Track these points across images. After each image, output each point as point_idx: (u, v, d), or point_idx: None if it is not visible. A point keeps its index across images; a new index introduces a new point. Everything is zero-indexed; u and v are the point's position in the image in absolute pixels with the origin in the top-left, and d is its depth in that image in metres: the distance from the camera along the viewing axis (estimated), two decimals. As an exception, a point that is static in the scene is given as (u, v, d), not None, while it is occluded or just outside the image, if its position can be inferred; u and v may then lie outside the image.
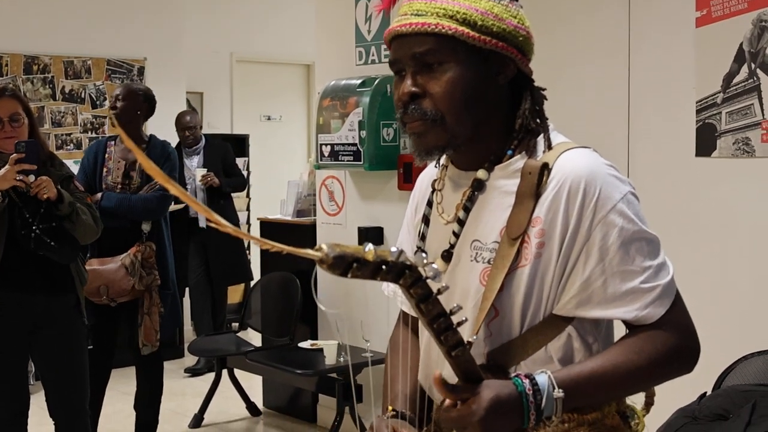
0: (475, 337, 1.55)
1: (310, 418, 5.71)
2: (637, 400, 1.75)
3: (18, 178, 3.78)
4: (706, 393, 3.03)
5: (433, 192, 1.80)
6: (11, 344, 3.95)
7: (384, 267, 1.30)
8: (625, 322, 1.64)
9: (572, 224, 1.58)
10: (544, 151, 1.65)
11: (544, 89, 1.74)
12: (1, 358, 3.94)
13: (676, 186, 3.72)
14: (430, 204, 1.80)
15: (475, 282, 1.65)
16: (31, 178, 3.80)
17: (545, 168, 1.61)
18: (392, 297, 1.96)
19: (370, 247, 1.29)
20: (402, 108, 1.66)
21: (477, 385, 1.51)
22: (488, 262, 1.64)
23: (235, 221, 7.01)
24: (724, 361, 3.17)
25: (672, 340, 1.61)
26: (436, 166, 1.83)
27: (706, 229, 3.68)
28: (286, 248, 1.29)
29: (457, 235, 1.70)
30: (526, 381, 1.53)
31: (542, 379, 1.54)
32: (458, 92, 1.61)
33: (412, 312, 1.90)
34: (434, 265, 1.35)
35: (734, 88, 3.59)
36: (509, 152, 1.67)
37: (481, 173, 1.68)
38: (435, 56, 1.61)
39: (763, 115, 3.52)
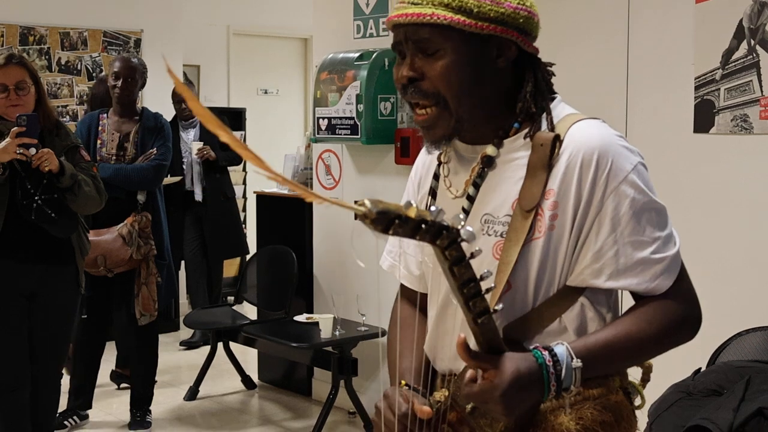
0: (500, 306, 1.55)
1: (305, 392, 5.73)
2: (634, 376, 1.76)
3: (18, 151, 3.78)
4: (700, 369, 3.04)
5: (439, 165, 1.80)
6: (12, 310, 3.98)
7: (423, 226, 1.30)
8: (634, 294, 1.67)
9: (585, 196, 1.61)
10: (548, 129, 1.65)
11: (552, 64, 1.74)
12: (2, 325, 3.97)
13: (674, 162, 3.72)
14: (436, 177, 1.81)
15: (488, 256, 1.65)
16: (33, 150, 3.80)
17: (557, 140, 1.63)
18: (389, 271, 1.96)
19: (412, 203, 1.29)
20: (402, 90, 1.68)
21: (498, 356, 1.51)
22: (500, 235, 1.64)
23: (231, 195, 7.00)
24: (718, 338, 3.17)
25: (680, 310, 1.65)
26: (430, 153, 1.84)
27: (703, 205, 3.67)
28: (332, 201, 1.30)
29: (467, 211, 1.70)
30: (546, 353, 1.54)
31: (560, 350, 1.55)
32: (455, 78, 1.63)
33: (412, 285, 1.91)
34: (469, 228, 1.35)
35: (733, 64, 3.58)
36: (516, 125, 1.69)
37: (490, 149, 1.69)
38: (431, 45, 1.63)
39: (761, 91, 3.51)
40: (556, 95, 1.73)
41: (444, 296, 1.74)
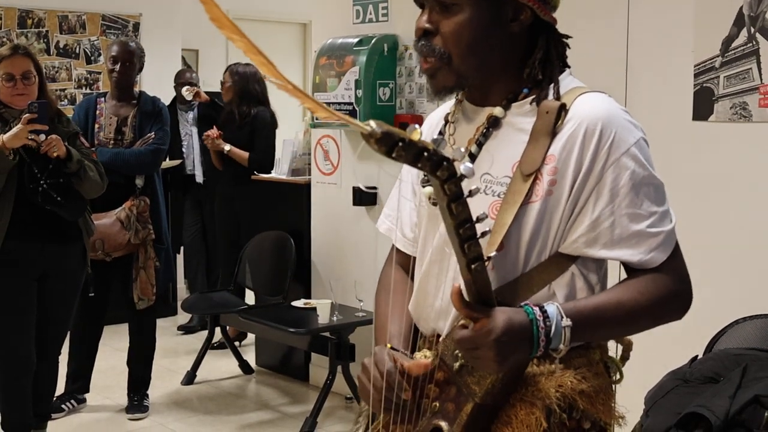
0: (495, 253, 1.56)
1: (302, 377, 5.74)
2: (614, 352, 1.78)
3: (30, 137, 3.93)
4: (697, 356, 3.04)
5: (446, 124, 1.81)
6: (22, 292, 4.10)
7: (426, 153, 1.30)
8: (626, 265, 1.68)
9: (586, 164, 1.62)
10: (553, 99, 1.67)
11: (568, 37, 1.76)
12: (12, 305, 4.09)
13: (673, 150, 3.71)
14: (441, 135, 1.82)
15: (477, 211, 1.65)
16: (42, 137, 3.96)
17: (563, 108, 1.64)
18: (386, 234, 1.97)
19: (416, 127, 1.30)
20: (416, 41, 1.72)
21: (490, 308, 1.52)
22: (498, 195, 1.66)
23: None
24: (716, 325, 3.18)
25: (671, 285, 1.66)
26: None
27: (701, 193, 3.67)
28: (339, 115, 1.34)
29: None
30: (536, 309, 1.55)
31: (551, 308, 1.56)
32: (466, 34, 1.66)
33: (404, 248, 1.92)
34: (468, 164, 1.36)
35: (733, 52, 3.57)
36: (525, 90, 1.70)
37: (497, 110, 1.71)
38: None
39: (761, 79, 3.50)
40: (567, 68, 1.75)
41: (431, 255, 1.76)
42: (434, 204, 1.72)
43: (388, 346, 1.75)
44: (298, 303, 5.24)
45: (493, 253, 1.56)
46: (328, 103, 4.98)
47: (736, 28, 3.55)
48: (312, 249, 5.60)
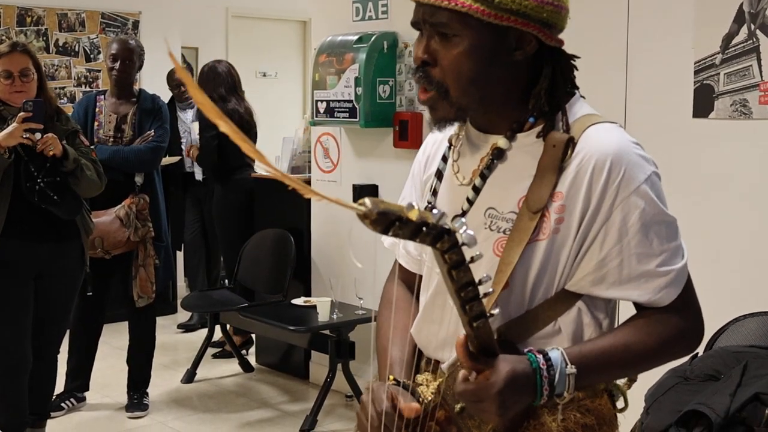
0: (497, 310, 1.52)
1: (302, 375, 5.74)
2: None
3: (24, 135, 3.92)
4: (697, 353, 3.03)
5: (450, 148, 1.77)
6: (18, 291, 4.09)
7: (424, 229, 1.27)
8: (636, 303, 1.64)
9: (594, 202, 1.57)
10: (563, 130, 1.62)
11: (576, 57, 1.68)
12: (8, 304, 4.08)
13: (673, 147, 3.71)
14: (445, 160, 1.77)
15: (489, 252, 1.62)
16: (38, 135, 3.95)
17: (570, 142, 1.59)
18: (390, 248, 1.93)
19: (414, 205, 1.27)
20: (414, 70, 1.66)
21: (494, 358, 1.49)
22: (503, 232, 1.61)
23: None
24: (716, 323, 3.17)
25: (682, 324, 1.63)
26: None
27: (701, 190, 3.67)
28: (332, 199, 1.27)
29: (471, 202, 1.67)
30: (540, 356, 1.52)
31: (555, 355, 1.53)
32: (466, 67, 1.59)
33: (409, 266, 1.88)
34: (470, 232, 1.31)
35: (733, 49, 3.56)
36: (531, 120, 1.64)
37: (501, 142, 1.65)
38: (448, 29, 1.59)
39: (761, 76, 3.49)
40: (576, 91, 1.68)
41: (436, 285, 1.72)
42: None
43: (390, 379, 1.70)
44: (298, 301, 5.24)
45: (496, 310, 1.51)
46: (329, 101, 4.98)
47: (737, 25, 3.55)
48: (312, 247, 5.60)
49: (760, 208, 3.53)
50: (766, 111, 3.48)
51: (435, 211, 1.29)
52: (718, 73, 3.61)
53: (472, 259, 1.36)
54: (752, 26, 3.51)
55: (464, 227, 1.32)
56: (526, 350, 1.55)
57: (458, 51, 1.59)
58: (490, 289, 1.44)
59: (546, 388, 1.51)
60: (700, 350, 3.08)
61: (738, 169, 3.59)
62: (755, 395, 2.58)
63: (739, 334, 3.12)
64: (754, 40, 3.50)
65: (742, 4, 3.53)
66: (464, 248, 1.32)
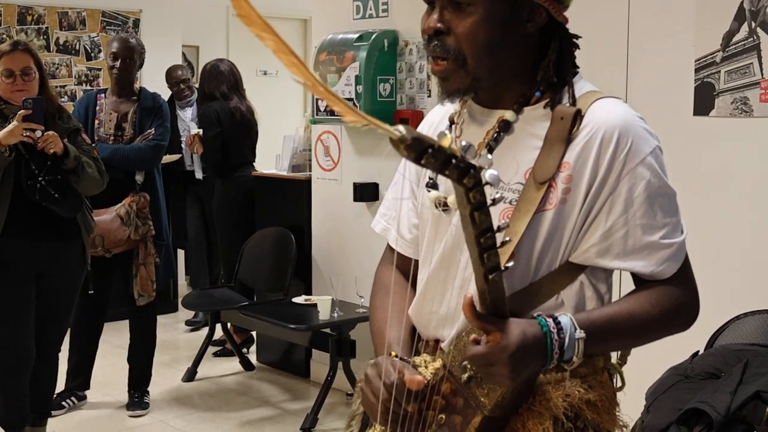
0: (512, 263, 1.53)
1: (303, 373, 5.74)
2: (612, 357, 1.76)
3: (25, 134, 3.92)
4: (698, 352, 3.04)
5: (451, 125, 1.77)
6: (19, 290, 4.10)
7: (454, 161, 1.27)
8: (636, 276, 1.66)
9: (601, 173, 1.59)
10: (569, 103, 1.64)
11: (578, 37, 1.72)
12: (9, 302, 4.08)
13: (674, 145, 3.70)
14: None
15: (495, 223, 1.62)
16: (38, 133, 3.95)
17: (578, 114, 1.61)
18: (382, 234, 1.93)
19: (446, 133, 1.27)
20: (426, 40, 1.66)
21: (504, 320, 1.49)
22: (510, 202, 1.62)
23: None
24: (717, 321, 3.17)
25: (681, 297, 1.65)
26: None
27: (702, 188, 3.66)
28: (369, 119, 1.27)
29: None
30: (550, 320, 1.53)
31: (564, 319, 1.54)
32: (481, 35, 1.61)
33: (403, 250, 1.87)
34: (494, 171, 1.32)
35: (734, 46, 3.56)
36: (537, 94, 1.67)
37: (509, 114, 1.67)
38: None
39: (762, 74, 3.49)
40: (578, 69, 1.71)
41: (436, 261, 1.72)
42: (441, 209, 1.69)
43: (393, 354, 1.70)
44: (299, 299, 5.24)
45: (510, 263, 1.52)
46: (329, 99, 4.97)
47: (737, 22, 3.54)
48: (313, 245, 5.60)
49: (760, 205, 3.53)
50: (767, 109, 3.48)
51: (463, 143, 1.29)
52: (719, 71, 3.61)
53: (494, 201, 1.38)
54: (753, 24, 3.50)
55: (490, 163, 1.32)
56: (535, 314, 1.56)
57: (473, 19, 1.60)
58: (507, 238, 1.47)
59: (556, 351, 1.52)
60: (701, 348, 3.08)
61: (739, 167, 3.59)
62: (756, 393, 2.58)
63: (740, 333, 3.12)
64: (755, 37, 3.50)
65: (742, 2, 3.52)
66: (487, 188, 1.32)
